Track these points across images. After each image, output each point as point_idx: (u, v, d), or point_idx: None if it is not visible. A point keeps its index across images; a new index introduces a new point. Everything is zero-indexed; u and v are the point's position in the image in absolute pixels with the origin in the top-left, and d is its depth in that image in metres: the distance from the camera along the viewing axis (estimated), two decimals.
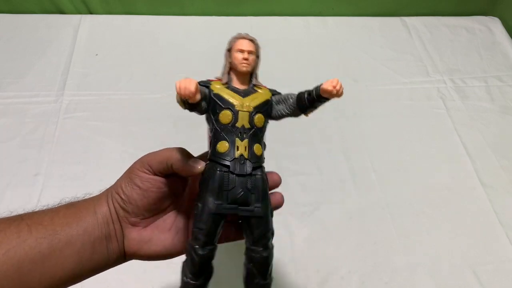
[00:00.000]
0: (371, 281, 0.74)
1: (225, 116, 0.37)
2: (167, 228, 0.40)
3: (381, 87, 1.06)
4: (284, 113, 0.42)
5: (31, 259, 0.32)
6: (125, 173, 0.40)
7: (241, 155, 0.37)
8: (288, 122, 0.96)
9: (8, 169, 0.83)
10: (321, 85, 0.39)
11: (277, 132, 0.96)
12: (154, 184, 0.38)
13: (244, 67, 0.39)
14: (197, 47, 1.11)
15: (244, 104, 0.38)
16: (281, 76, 1.07)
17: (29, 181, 0.81)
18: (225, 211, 0.36)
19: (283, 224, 0.79)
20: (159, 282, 0.70)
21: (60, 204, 0.39)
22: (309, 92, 0.41)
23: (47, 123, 0.91)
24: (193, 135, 0.92)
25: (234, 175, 0.36)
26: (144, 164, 0.39)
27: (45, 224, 0.35)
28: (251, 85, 0.40)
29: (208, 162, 0.38)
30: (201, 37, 1.14)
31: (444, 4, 1.26)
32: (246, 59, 0.39)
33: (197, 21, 1.18)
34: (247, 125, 0.38)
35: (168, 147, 0.41)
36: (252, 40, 0.41)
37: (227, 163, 0.36)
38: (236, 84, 0.40)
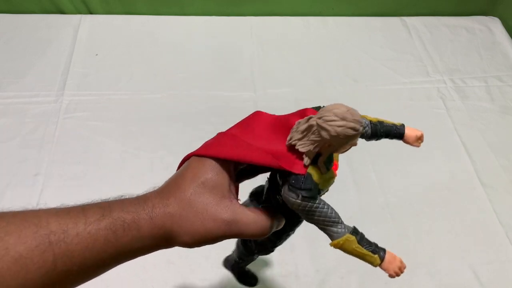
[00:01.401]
0: (371, 281, 0.74)
1: (327, 183, 0.39)
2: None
3: (381, 87, 1.06)
4: None
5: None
6: (200, 212, 0.32)
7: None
8: None
9: (8, 169, 0.83)
10: (400, 128, 0.39)
11: None
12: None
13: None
14: (197, 47, 1.11)
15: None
16: (281, 76, 1.08)
17: (29, 181, 0.81)
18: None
19: None
20: (160, 281, 0.70)
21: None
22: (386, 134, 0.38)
23: (47, 123, 0.91)
24: (193, 135, 0.92)
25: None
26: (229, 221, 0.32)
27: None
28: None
29: None
30: (201, 37, 1.14)
31: (444, 4, 1.26)
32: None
33: (197, 21, 1.18)
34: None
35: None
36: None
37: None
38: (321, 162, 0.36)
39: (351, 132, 0.30)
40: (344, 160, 0.90)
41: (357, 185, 0.86)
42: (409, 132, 0.37)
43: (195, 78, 1.03)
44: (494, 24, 1.25)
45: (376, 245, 0.34)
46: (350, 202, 0.84)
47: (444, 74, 1.11)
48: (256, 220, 0.34)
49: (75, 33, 1.10)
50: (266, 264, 0.74)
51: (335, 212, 0.34)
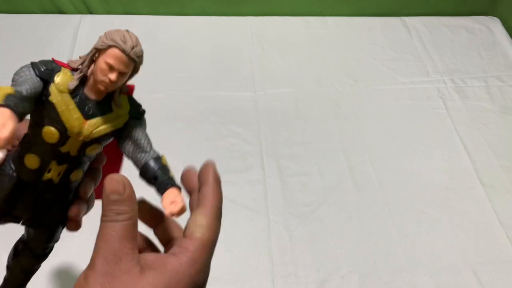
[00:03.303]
0: (371, 281, 0.74)
1: (50, 135, 0.28)
2: None
3: (381, 87, 1.06)
4: (128, 156, 0.32)
5: None
6: None
7: (49, 179, 0.30)
8: (288, 122, 0.97)
9: None
10: (164, 190, 0.30)
11: (277, 132, 0.97)
12: None
13: (101, 86, 0.28)
14: (197, 47, 1.11)
15: (79, 132, 0.29)
16: (281, 76, 1.08)
17: None
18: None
19: (283, 224, 0.79)
20: None
21: None
22: (155, 178, 0.31)
23: None
24: (193, 135, 0.92)
25: (33, 197, 0.31)
26: None
27: None
28: (104, 98, 0.30)
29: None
30: (201, 37, 1.14)
31: (444, 4, 1.26)
32: (112, 81, 0.28)
33: (197, 21, 1.18)
34: (73, 152, 0.30)
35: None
36: (133, 58, 0.29)
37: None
38: (88, 90, 0.29)
39: (110, 42, 0.28)
40: (344, 160, 0.90)
41: (357, 185, 0.86)
42: (170, 194, 0.29)
43: (195, 78, 1.03)
44: (494, 24, 1.25)
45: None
46: (350, 202, 0.84)
47: (444, 74, 1.11)
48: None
49: (75, 33, 1.10)
50: (266, 264, 0.74)
51: None
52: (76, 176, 0.31)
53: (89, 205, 0.35)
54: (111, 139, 0.31)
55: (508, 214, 0.84)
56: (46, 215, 0.32)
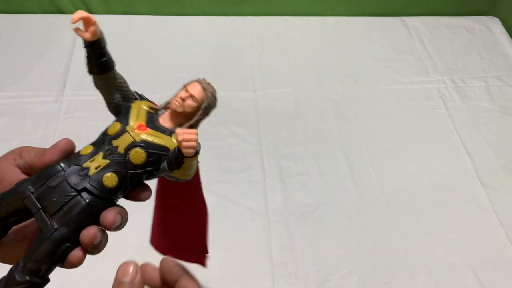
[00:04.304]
0: (371, 281, 0.74)
1: (113, 127, 0.32)
2: (19, 239, 0.34)
3: (381, 87, 1.06)
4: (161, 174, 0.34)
5: None
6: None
7: (87, 168, 0.31)
8: (288, 122, 0.97)
9: None
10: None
11: (277, 132, 0.97)
12: (10, 176, 0.32)
13: (173, 104, 0.34)
14: (197, 47, 1.11)
15: (136, 130, 0.32)
16: (281, 76, 1.08)
17: None
18: (25, 200, 0.30)
19: (283, 224, 0.79)
20: None
21: None
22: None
23: (47, 123, 0.91)
24: None
25: (64, 178, 0.31)
26: (16, 151, 0.33)
27: None
28: (173, 129, 0.34)
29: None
30: (201, 37, 1.14)
31: (444, 4, 1.26)
32: (182, 99, 0.34)
33: (197, 21, 1.18)
34: (121, 150, 0.31)
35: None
36: (205, 89, 0.35)
37: (66, 165, 0.31)
38: (163, 117, 0.34)
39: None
40: (344, 160, 0.90)
41: (357, 185, 0.86)
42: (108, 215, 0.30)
43: (195, 78, 1.03)
44: (494, 24, 1.25)
45: None
46: (350, 202, 0.84)
47: (444, 74, 1.11)
48: None
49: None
50: (266, 264, 0.74)
51: None
52: (109, 179, 0.31)
53: (103, 239, 0.33)
54: (158, 154, 0.32)
55: (508, 214, 0.84)
56: (63, 215, 0.30)
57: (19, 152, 0.33)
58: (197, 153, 0.30)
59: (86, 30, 0.32)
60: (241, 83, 1.03)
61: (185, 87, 0.35)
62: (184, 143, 0.28)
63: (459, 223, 0.82)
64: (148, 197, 0.35)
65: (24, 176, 0.32)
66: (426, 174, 0.89)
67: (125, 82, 0.35)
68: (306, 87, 1.05)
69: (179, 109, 0.34)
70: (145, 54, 1.08)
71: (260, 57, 1.10)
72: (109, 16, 1.16)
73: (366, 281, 0.73)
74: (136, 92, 0.36)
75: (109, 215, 0.32)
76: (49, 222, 0.30)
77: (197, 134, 0.28)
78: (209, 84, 0.36)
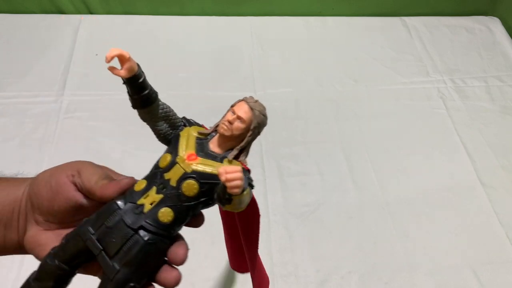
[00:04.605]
0: (371, 281, 0.74)
1: (164, 159, 0.32)
2: None
3: (381, 87, 1.06)
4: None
5: None
6: (55, 166, 0.35)
7: (142, 205, 0.31)
8: (288, 122, 0.97)
9: (8, 169, 0.83)
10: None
11: (277, 132, 0.97)
12: (67, 192, 0.33)
13: (221, 128, 0.32)
14: (197, 47, 1.11)
15: (186, 161, 0.31)
16: (281, 76, 1.08)
17: None
18: (87, 242, 0.31)
19: (283, 224, 0.79)
20: None
21: None
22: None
23: (47, 123, 0.91)
24: None
25: (121, 217, 0.30)
26: (73, 167, 0.33)
27: None
28: (225, 153, 0.33)
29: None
30: (201, 37, 1.14)
31: (444, 4, 1.26)
32: (230, 122, 0.32)
33: (197, 21, 1.18)
34: (173, 183, 0.31)
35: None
36: (252, 109, 0.33)
37: (122, 202, 0.31)
38: (213, 142, 0.33)
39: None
40: (344, 160, 0.90)
41: (357, 185, 0.86)
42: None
43: (195, 78, 1.03)
44: (494, 24, 1.25)
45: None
46: (350, 202, 0.84)
47: (444, 74, 1.11)
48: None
49: (75, 33, 1.10)
50: (266, 264, 0.74)
51: None
52: (164, 215, 0.31)
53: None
54: (211, 183, 0.31)
55: (508, 214, 0.84)
56: (123, 255, 0.30)
57: (77, 169, 0.33)
58: (244, 190, 0.28)
59: (122, 67, 0.31)
60: (241, 83, 1.03)
61: (232, 108, 0.33)
62: (228, 184, 0.27)
63: (459, 223, 0.82)
64: (201, 223, 0.34)
65: (78, 195, 0.33)
66: (426, 174, 0.89)
67: (170, 110, 0.35)
68: (306, 87, 1.05)
69: (227, 133, 0.32)
70: (145, 54, 1.08)
71: (260, 57, 1.10)
72: (109, 16, 1.16)
73: (366, 281, 0.73)
74: (184, 118, 0.36)
75: (180, 252, 0.32)
76: (111, 264, 0.30)
77: (240, 171, 0.27)
78: (256, 102, 0.34)
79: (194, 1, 1.18)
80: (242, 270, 0.48)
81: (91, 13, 1.16)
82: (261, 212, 0.82)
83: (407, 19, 1.24)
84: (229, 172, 0.26)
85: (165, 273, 0.31)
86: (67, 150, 0.87)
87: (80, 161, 0.35)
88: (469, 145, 0.95)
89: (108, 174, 0.33)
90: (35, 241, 0.34)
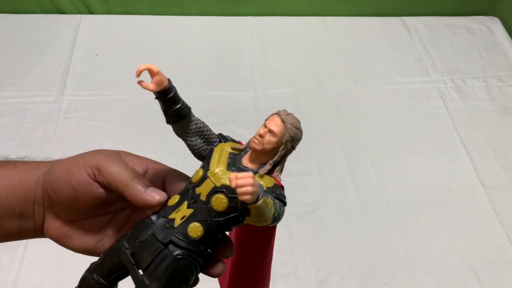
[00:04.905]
0: (371, 281, 0.73)
1: (196, 174, 0.32)
2: (94, 230, 0.35)
3: (381, 87, 1.06)
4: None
5: None
6: (70, 160, 0.34)
7: (173, 219, 0.31)
8: None
9: None
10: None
11: None
12: (90, 190, 0.32)
13: (253, 143, 0.32)
14: (197, 47, 1.11)
15: (216, 175, 0.31)
16: (281, 76, 1.08)
17: None
18: (121, 256, 0.31)
19: (283, 224, 0.79)
20: None
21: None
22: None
23: (47, 123, 0.91)
24: None
25: (153, 232, 0.31)
26: (92, 165, 0.32)
27: None
28: (258, 168, 0.33)
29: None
30: (201, 37, 1.14)
31: (444, 4, 1.26)
32: (261, 136, 0.32)
33: (197, 21, 1.18)
34: (203, 197, 0.31)
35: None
36: (284, 121, 0.33)
37: (156, 216, 0.32)
38: (246, 158, 0.33)
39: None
40: (344, 160, 0.90)
41: (357, 185, 0.86)
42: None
43: (195, 78, 1.03)
44: (494, 24, 1.25)
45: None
46: (350, 202, 0.84)
47: (444, 74, 1.11)
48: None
49: (75, 33, 1.10)
50: None
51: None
52: (193, 230, 0.30)
53: None
54: (235, 202, 0.30)
55: (508, 214, 0.83)
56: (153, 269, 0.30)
57: (97, 166, 0.32)
58: (258, 199, 0.27)
59: (152, 81, 0.31)
60: (241, 83, 1.03)
61: (264, 122, 0.33)
62: (238, 190, 0.26)
63: (459, 223, 0.82)
64: (229, 253, 0.34)
65: (104, 191, 0.32)
66: (426, 174, 0.89)
67: (205, 126, 0.34)
68: (306, 87, 1.05)
69: (259, 147, 0.32)
70: (145, 54, 1.08)
71: (260, 57, 1.10)
72: (109, 16, 1.16)
73: (366, 281, 0.73)
74: (220, 134, 0.36)
75: (218, 270, 0.33)
76: (141, 279, 0.30)
77: (252, 177, 0.26)
78: (289, 114, 0.34)
79: (194, 1, 1.18)
80: None
81: (91, 13, 1.16)
82: None
83: (407, 19, 1.24)
84: (239, 178, 0.26)
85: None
86: (67, 150, 0.86)
87: (94, 154, 0.33)
88: (469, 145, 0.95)
89: (136, 172, 0.33)
90: (60, 233, 0.34)
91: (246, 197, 0.26)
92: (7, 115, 0.92)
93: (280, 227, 0.87)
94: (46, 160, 0.37)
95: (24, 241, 0.72)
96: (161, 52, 1.09)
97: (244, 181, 0.25)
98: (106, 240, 0.35)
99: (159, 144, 0.87)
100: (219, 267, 0.33)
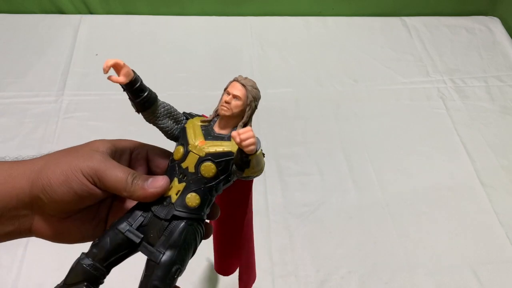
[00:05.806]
0: (371, 281, 0.73)
1: (177, 152, 0.35)
2: (90, 217, 0.36)
3: (381, 87, 1.06)
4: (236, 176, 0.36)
5: None
6: (65, 166, 0.33)
7: (169, 196, 0.33)
8: (288, 121, 0.97)
9: None
10: None
11: (277, 132, 0.97)
12: (94, 194, 0.33)
13: (221, 110, 0.35)
14: (197, 47, 1.11)
15: (198, 147, 0.33)
16: (281, 76, 1.08)
17: None
18: (129, 235, 0.32)
19: (283, 224, 0.79)
20: None
21: None
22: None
23: (47, 123, 0.91)
24: None
25: (151, 213, 0.33)
26: (92, 174, 0.32)
27: None
28: (230, 132, 0.35)
29: None
30: (201, 37, 1.14)
31: (444, 4, 1.27)
32: (227, 102, 0.35)
33: (197, 21, 1.18)
34: (191, 169, 0.33)
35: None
36: (244, 85, 0.35)
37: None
38: (216, 126, 0.36)
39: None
40: (344, 160, 0.90)
41: (357, 185, 0.86)
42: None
43: (195, 78, 1.03)
44: (494, 24, 1.25)
45: None
46: (350, 202, 0.84)
47: (444, 74, 1.11)
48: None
49: (75, 33, 1.10)
50: (266, 264, 0.74)
51: None
52: (191, 200, 0.33)
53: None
54: (226, 159, 0.33)
55: (508, 214, 0.84)
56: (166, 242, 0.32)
57: (95, 171, 0.32)
58: (257, 148, 0.31)
59: (119, 75, 0.33)
60: None
61: (226, 90, 0.36)
62: (243, 143, 0.29)
63: (459, 223, 0.82)
64: (217, 215, 0.37)
65: (104, 193, 0.33)
66: (426, 174, 0.89)
67: (171, 107, 0.37)
68: (306, 87, 1.05)
69: (228, 113, 0.35)
70: (145, 54, 1.08)
71: (260, 57, 1.10)
72: (109, 16, 1.16)
73: (366, 281, 0.73)
74: (184, 112, 0.39)
75: (209, 232, 0.36)
76: (155, 250, 0.32)
77: (251, 130, 0.29)
78: (246, 78, 0.36)
79: (194, 1, 1.18)
80: (227, 273, 0.51)
81: (91, 13, 1.16)
82: (261, 212, 0.82)
83: (407, 19, 1.24)
84: (241, 133, 0.29)
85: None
86: None
87: (90, 158, 0.33)
88: (469, 145, 0.95)
89: (131, 172, 0.33)
90: (55, 231, 0.34)
91: (251, 147, 0.29)
92: (7, 115, 0.92)
93: (280, 227, 0.87)
94: (31, 157, 0.37)
95: (24, 241, 0.72)
96: (161, 52, 1.09)
97: (247, 135, 0.29)
98: (102, 223, 0.36)
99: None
100: (210, 229, 0.36)
